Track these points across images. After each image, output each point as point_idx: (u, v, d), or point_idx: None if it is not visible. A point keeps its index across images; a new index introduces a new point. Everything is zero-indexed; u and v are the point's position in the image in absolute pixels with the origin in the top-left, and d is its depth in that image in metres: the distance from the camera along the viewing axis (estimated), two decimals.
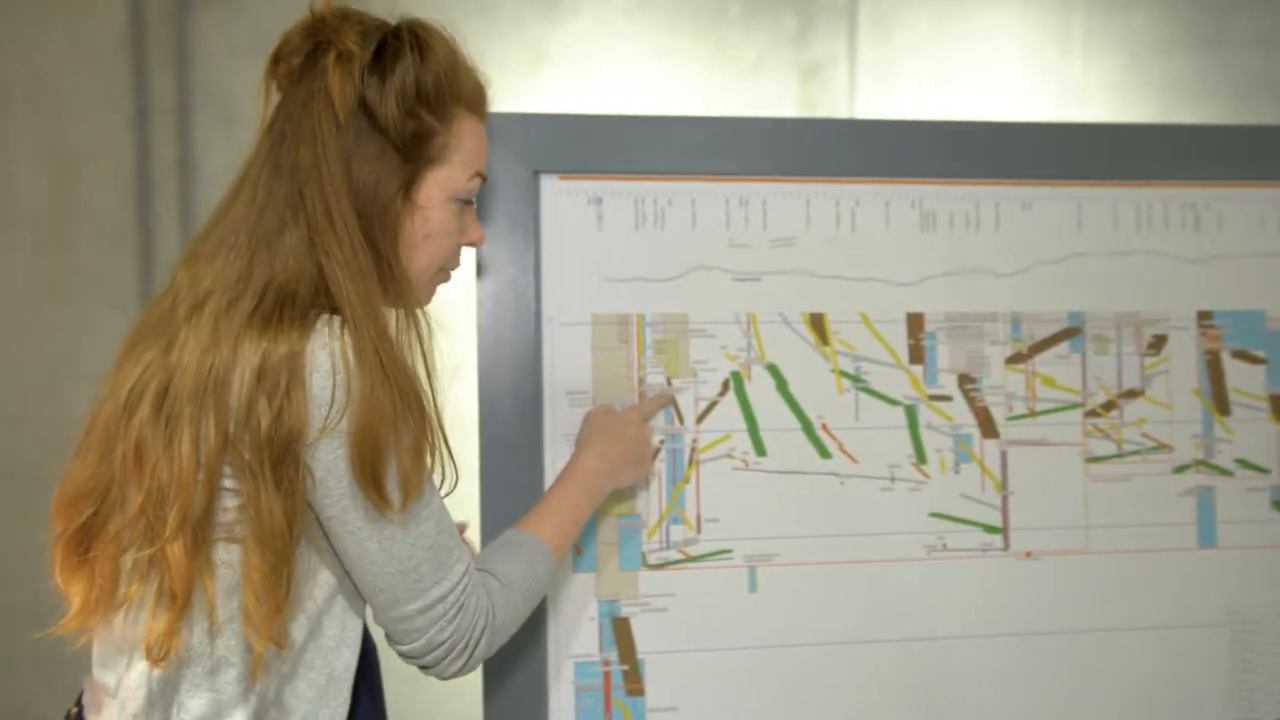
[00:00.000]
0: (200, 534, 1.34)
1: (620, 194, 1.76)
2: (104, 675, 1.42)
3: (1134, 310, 1.87)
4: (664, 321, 1.76)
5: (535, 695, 1.71)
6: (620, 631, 1.74)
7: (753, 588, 1.77)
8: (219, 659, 1.37)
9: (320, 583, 1.40)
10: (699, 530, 1.76)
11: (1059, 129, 1.85)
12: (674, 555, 1.75)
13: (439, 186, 1.47)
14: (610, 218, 1.75)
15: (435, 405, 1.41)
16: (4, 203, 2.79)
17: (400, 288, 1.43)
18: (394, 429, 1.34)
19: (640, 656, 1.74)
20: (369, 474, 1.34)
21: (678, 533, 1.75)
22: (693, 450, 1.76)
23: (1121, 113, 2.98)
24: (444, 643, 1.42)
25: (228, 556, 1.35)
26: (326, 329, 1.34)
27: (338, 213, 1.38)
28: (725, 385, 1.77)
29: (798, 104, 2.87)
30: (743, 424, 1.77)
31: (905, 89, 2.92)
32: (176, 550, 1.34)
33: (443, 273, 1.53)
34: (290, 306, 1.35)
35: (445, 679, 1.47)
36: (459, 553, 1.43)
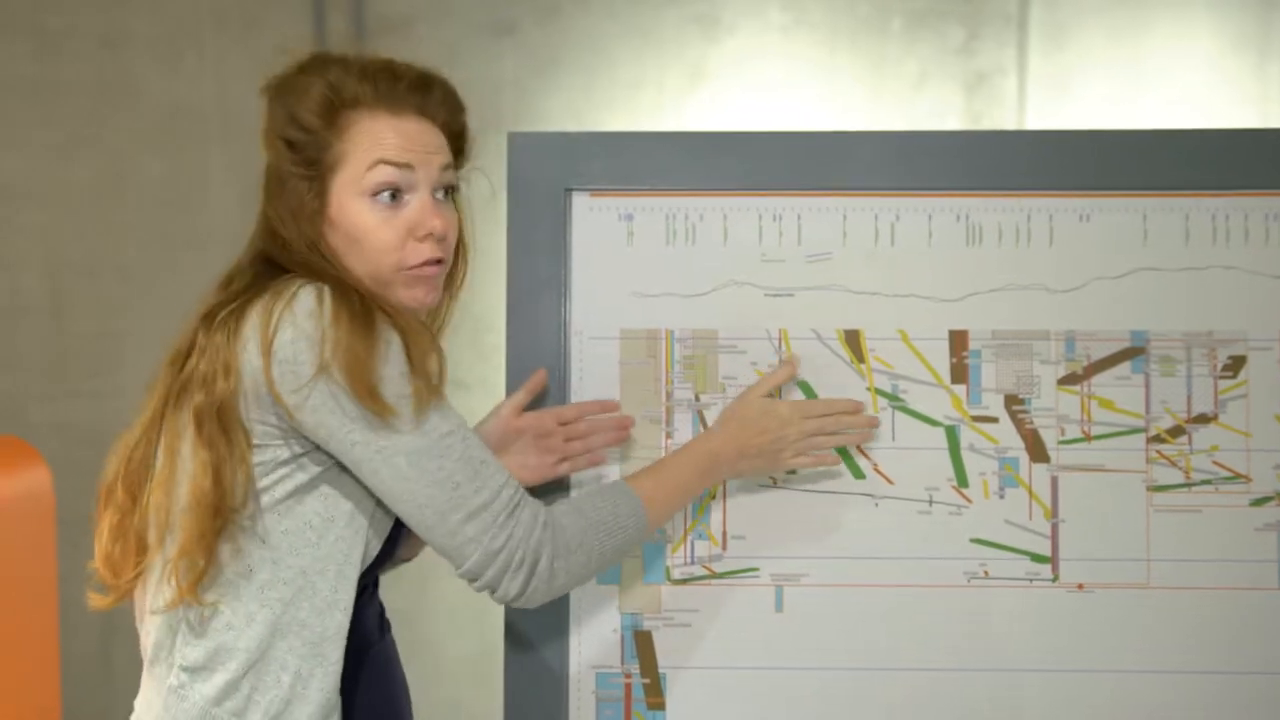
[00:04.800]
0: (158, 491, 1.48)
1: (651, 210, 1.77)
2: (140, 631, 1.56)
3: (1206, 330, 1.74)
4: (693, 337, 1.76)
5: (556, 701, 1.73)
6: (642, 644, 1.75)
7: (779, 607, 1.74)
8: (206, 610, 1.47)
9: (307, 541, 1.47)
10: (724, 547, 1.75)
11: (1122, 136, 1.75)
12: (698, 571, 1.75)
13: (344, 189, 1.51)
14: (641, 234, 1.77)
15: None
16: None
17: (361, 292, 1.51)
18: (377, 346, 1.42)
19: (662, 670, 1.74)
20: (364, 390, 1.41)
21: (702, 548, 1.75)
22: None
23: None
24: (499, 551, 1.45)
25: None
26: (283, 292, 1.45)
27: (288, 234, 1.51)
28: None
29: (962, 118, 2.79)
30: None
31: (1079, 99, 2.80)
32: (133, 505, 1.50)
33: (418, 268, 1.52)
34: (246, 301, 1.48)
35: (511, 603, 1.49)
36: (498, 466, 1.48)
